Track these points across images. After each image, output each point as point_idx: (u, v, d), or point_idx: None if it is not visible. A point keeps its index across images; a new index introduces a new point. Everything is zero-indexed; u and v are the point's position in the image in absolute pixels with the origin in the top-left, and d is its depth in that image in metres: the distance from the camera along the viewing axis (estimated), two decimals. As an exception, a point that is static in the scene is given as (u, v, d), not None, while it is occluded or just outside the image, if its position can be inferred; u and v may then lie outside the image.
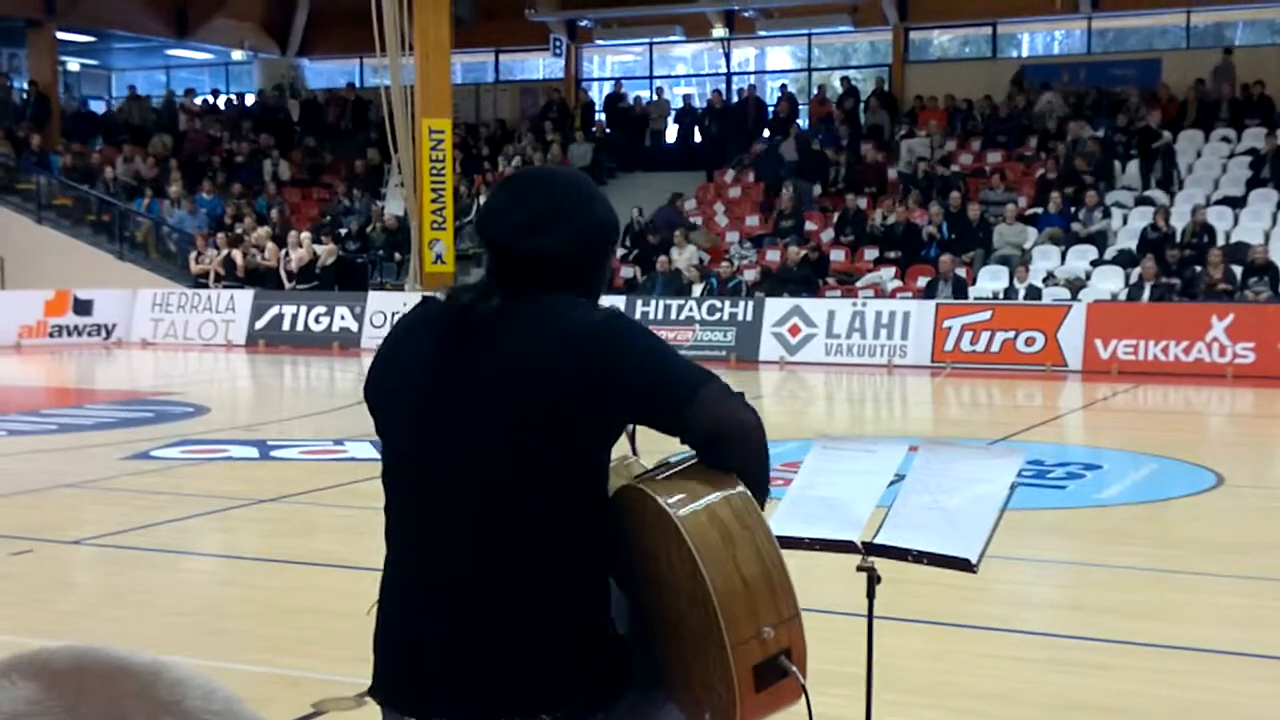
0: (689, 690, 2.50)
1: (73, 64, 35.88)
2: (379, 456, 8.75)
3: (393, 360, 2.59)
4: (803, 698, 2.44)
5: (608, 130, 29.44)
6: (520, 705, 2.39)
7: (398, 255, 24.34)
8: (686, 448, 2.50)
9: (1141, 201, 22.04)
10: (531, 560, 2.41)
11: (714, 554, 2.34)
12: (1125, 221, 21.65)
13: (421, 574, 2.48)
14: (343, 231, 25.65)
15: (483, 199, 25.73)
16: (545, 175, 2.76)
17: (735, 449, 2.42)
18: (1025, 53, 30.06)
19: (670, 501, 2.38)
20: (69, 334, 23.13)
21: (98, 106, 35.98)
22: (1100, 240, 21.17)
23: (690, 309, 20.32)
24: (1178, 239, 20.22)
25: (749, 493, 2.43)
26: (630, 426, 2.65)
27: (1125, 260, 20.27)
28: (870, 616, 3.69)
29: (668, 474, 2.49)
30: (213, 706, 0.82)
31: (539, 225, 2.48)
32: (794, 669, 2.38)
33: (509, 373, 2.42)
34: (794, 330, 19.70)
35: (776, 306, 19.95)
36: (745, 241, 23.75)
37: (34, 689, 0.79)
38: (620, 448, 2.65)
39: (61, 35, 31.83)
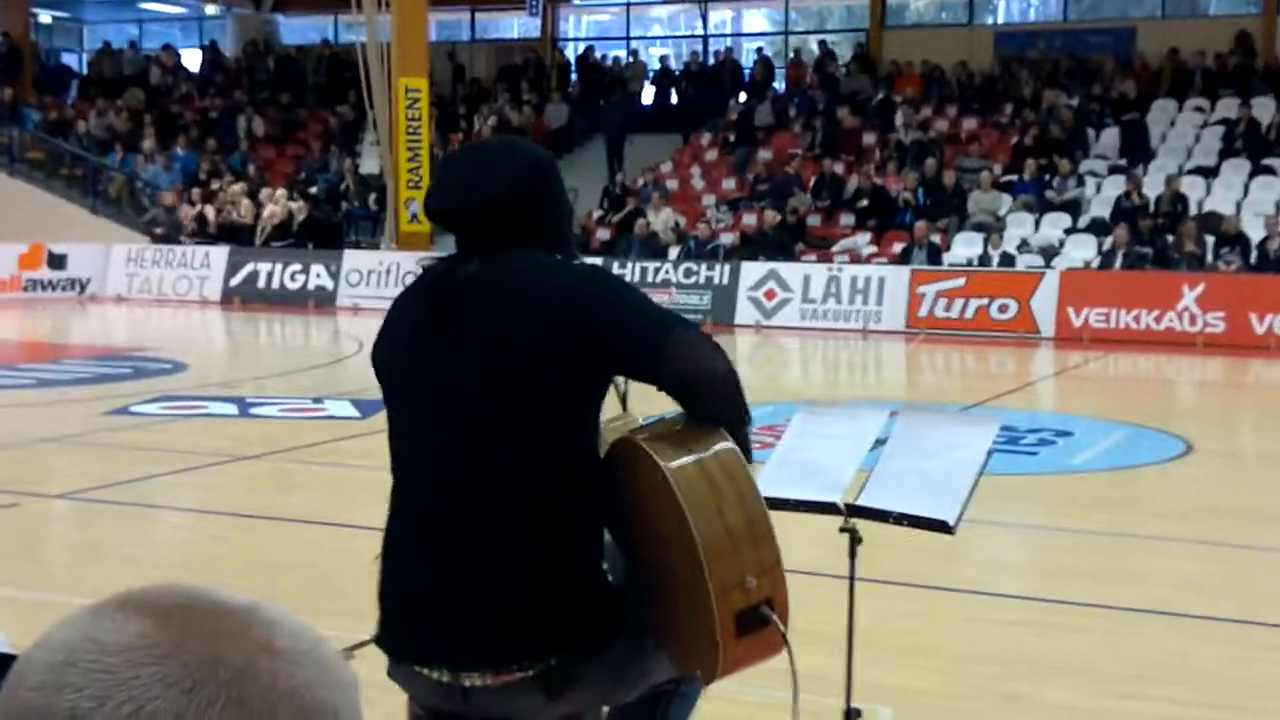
0: (674, 639, 2.61)
1: (44, 16, 35.52)
2: (358, 414, 8.84)
3: (390, 328, 2.71)
4: (784, 649, 2.55)
5: (583, 90, 29.36)
6: (516, 652, 2.50)
7: (373, 204, 24.25)
8: (678, 405, 2.60)
9: (1115, 170, 22.17)
10: (523, 514, 2.51)
11: (700, 504, 2.44)
12: (1099, 190, 21.76)
13: (422, 529, 2.59)
14: (313, 190, 25.51)
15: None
16: (470, 146, 2.90)
17: (704, 394, 2.52)
18: (1001, 20, 30.10)
19: (660, 454, 2.48)
20: (43, 288, 23.02)
21: (69, 60, 35.65)
22: (1074, 208, 21.30)
23: (667, 272, 20.38)
24: (1151, 208, 20.37)
25: (737, 448, 2.53)
26: (623, 385, 2.76)
27: (1098, 228, 20.40)
28: (852, 577, 3.80)
29: (659, 429, 2.60)
30: (300, 646, 0.87)
31: (470, 185, 2.59)
32: (775, 618, 2.49)
33: (489, 332, 2.53)
34: (770, 294, 19.78)
35: (752, 270, 20.02)
36: (721, 205, 23.79)
37: (145, 624, 0.84)
38: (613, 406, 2.75)
39: (34, -13, 31.55)
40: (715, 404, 2.52)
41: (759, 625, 2.48)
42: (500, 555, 2.51)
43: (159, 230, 23.88)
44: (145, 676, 0.82)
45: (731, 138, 26.10)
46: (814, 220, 22.61)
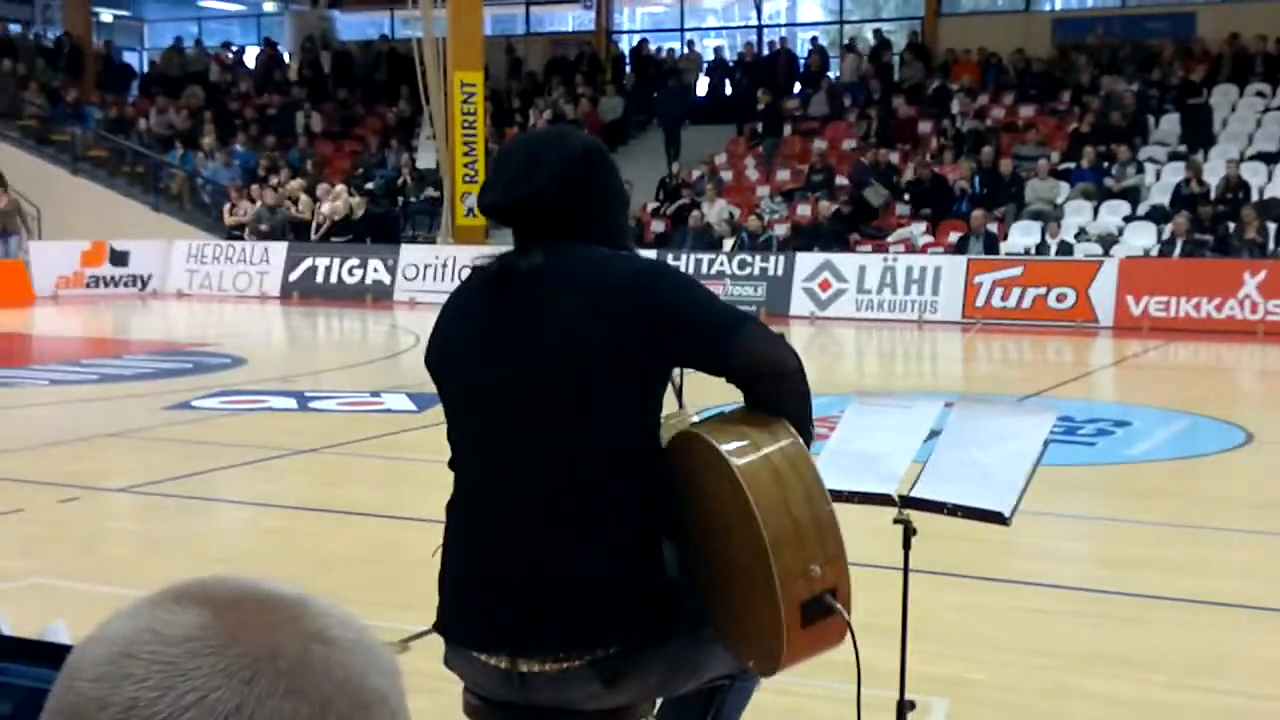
0: (735, 631, 2.61)
1: (105, 15, 35.93)
2: (414, 408, 8.88)
3: (448, 325, 2.73)
4: (846, 637, 2.54)
5: (637, 83, 29.33)
6: (575, 640, 2.52)
7: (430, 193, 24.28)
8: (738, 400, 2.61)
9: (1175, 157, 21.92)
10: (585, 505, 2.54)
11: (765, 494, 2.45)
12: (1159, 177, 21.54)
13: (484, 520, 2.62)
14: (369, 185, 25.65)
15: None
16: (520, 139, 2.90)
17: (774, 387, 2.53)
18: (1059, 6, 29.82)
19: (724, 444, 2.49)
20: (105, 284, 23.31)
21: (130, 58, 36.05)
22: (1133, 196, 21.08)
23: (721, 263, 20.35)
24: (1211, 195, 20.13)
25: (801, 440, 2.54)
26: (678, 379, 2.77)
27: (1158, 216, 20.18)
28: (906, 568, 3.78)
29: (722, 421, 2.61)
30: (350, 635, 0.89)
31: (516, 178, 2.60)
32: (839, 607, 2.49)
33: (549, 327, 2.54)
34: (824, 285, 19.72)
35: (807, 261, 19.96)
36: (776, 196, 23.73)
37: (203, 616, 0.86)
38: (669, 402, 2.76)
39: (95, -14, 31.93)
40: (784, 398, 2.54)
41: (823, 615, 2.48)
42: (561, 545, 2.54)
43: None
44: (206, 667, 0.83)
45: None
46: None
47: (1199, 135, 22.38)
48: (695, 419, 2.77)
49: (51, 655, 1.29)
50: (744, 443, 2.51)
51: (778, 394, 2.53)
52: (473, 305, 2.67)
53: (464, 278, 2.75)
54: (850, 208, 21.96)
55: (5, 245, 23.75)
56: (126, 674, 0.83)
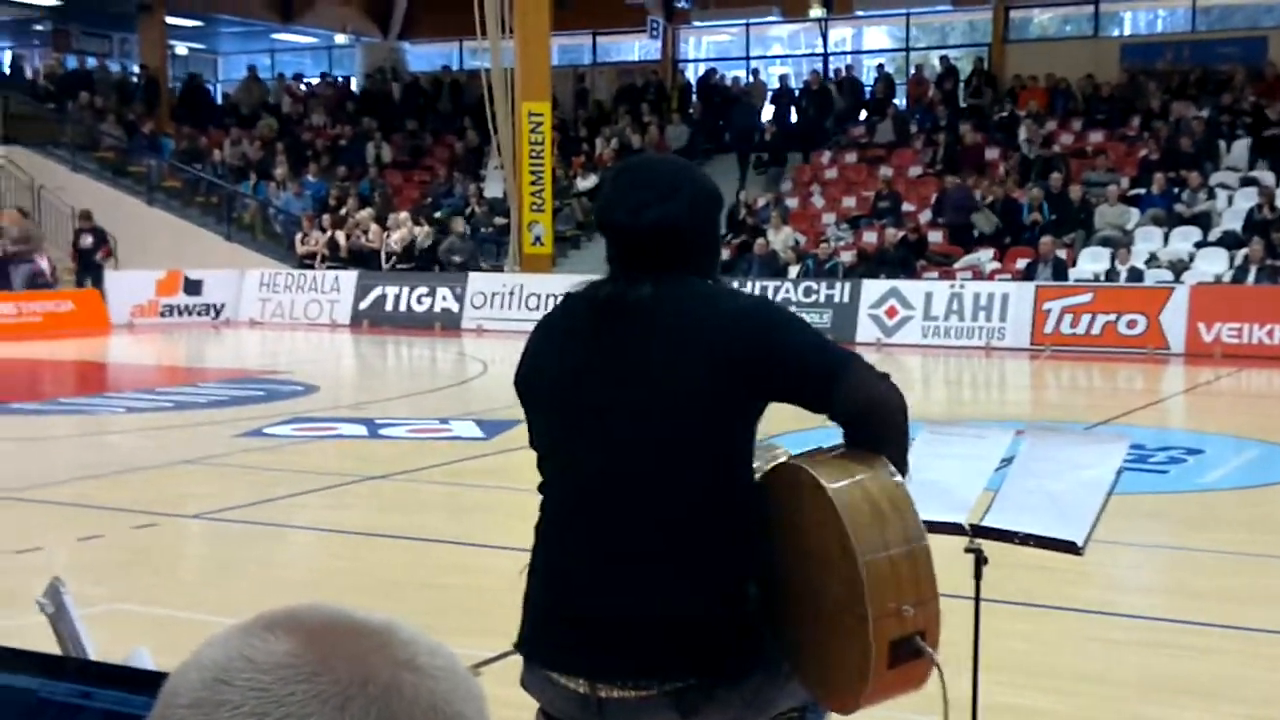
0: (817, 666, 2.60)
1: (180, 48, 36.52)
2: (483, 435, 8.90)
3: (544, 351, 2.73)
4: (925, 684, 2.53)
5: (704, 111, 29.43)
6: (657, 669, 2.53)
7: (497, 219, 24.34)
8: (807, 427, 2.62)
9: (1247, 182, 21.67)
10: (678, 535, 2.55)
11: (864, 529, 2.46)
12: (1230, 202, 21.29)
13: (574, 547, 2.63)
14: (437, 215, 25.81)
15: (579, 181, 25.90)
16: (651, 160, 2.94)
17: (881, 427, 2.55)
18: (1127, 31, 29.62)
19: (827, 478, 2.50)
20: (179, 313, 23.65)
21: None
22: (1204, 222, 20.86)
23: (787, 290, 20.33)
24: (1284, 220, 19.87)
25: (901, 479, 2.55)
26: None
27: (1230, 242, 19.95)
28: (977, 598, 3.78)
29: (824, 455, 2.61)
30: (438, 662, 0.91)
31: (650, 202, 2.61)
32: (929, 650, 2.49)
33: (661, 359, 2.55)
34: (891, 312, 19.65)
35: (873, 288, 19.91)
36: (842, 223, 23.69)
37: (295, 643, 0.88)
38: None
39: (170, 19, 32.44)
40: (887, 435, 2.56)
41: (911, 656, 2.48)
42: (649, 578, 2.55)
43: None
44: (300, 693, 0.85)
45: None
46: (936, 237, 22.41)
47: (1277, 159, 22.08)
48: (779, 449, 2.79)
49: (136, 680, 1.33)
50: (847, 478, 2.51)
51: (881, 433, 2.55)
52: (574, 331, 2.67)
53: (559, 303, 2.76)
54: (915, 235, 21.87)
55: (16, 273, 22.74)
56: (222, 700, 0.85)
